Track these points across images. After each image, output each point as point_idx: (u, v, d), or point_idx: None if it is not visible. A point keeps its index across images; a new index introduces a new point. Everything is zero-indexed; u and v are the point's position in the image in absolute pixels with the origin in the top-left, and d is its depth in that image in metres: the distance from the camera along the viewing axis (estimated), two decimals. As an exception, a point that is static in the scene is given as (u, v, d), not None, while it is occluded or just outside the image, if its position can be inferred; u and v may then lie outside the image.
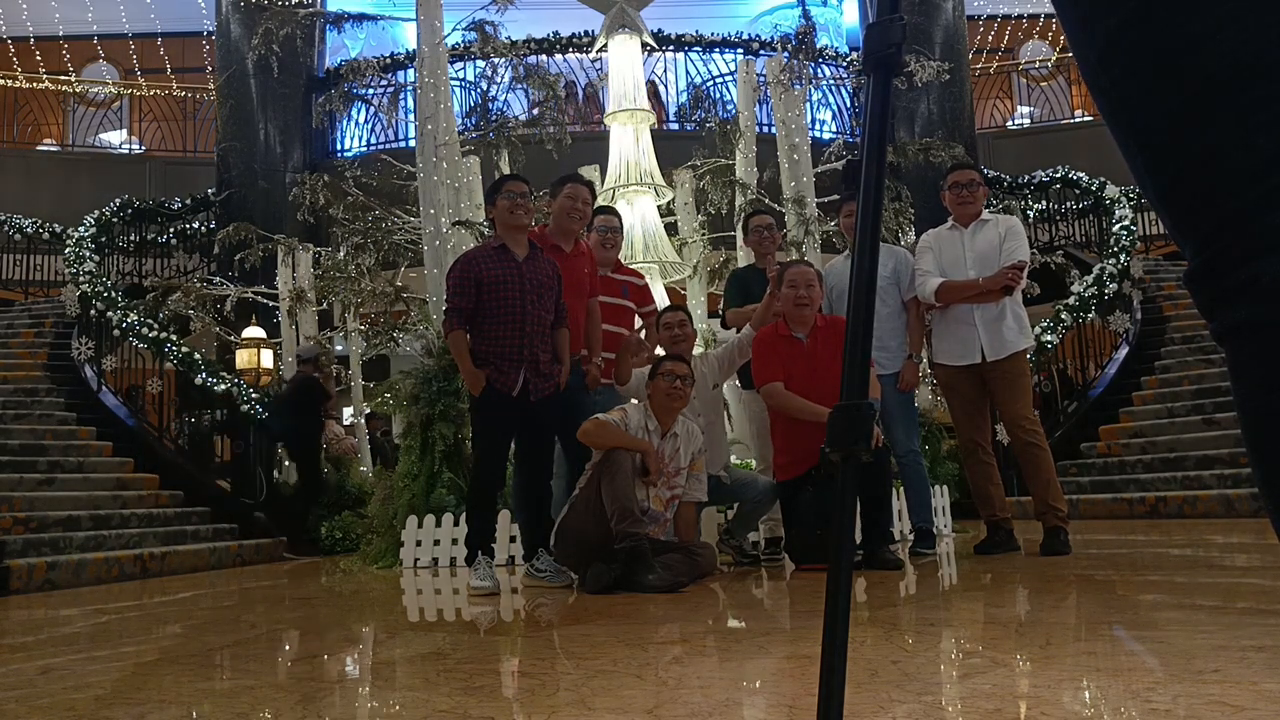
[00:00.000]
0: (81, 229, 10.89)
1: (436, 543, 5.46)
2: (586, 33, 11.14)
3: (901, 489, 5.08)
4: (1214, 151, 0.59)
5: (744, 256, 7.21)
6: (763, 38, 12.15)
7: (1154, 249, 12.42)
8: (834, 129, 12.16)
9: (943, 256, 4.50)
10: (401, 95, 10.72)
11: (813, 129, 10.64)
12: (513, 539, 5.21)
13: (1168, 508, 6.73)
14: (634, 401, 4.21)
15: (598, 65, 10.76)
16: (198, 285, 9.64)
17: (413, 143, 7.72)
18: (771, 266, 4.75)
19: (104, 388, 8.74)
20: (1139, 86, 0.62)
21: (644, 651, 2.20)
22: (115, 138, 16.67)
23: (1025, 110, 17.21)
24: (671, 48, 11.85)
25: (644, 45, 7.72)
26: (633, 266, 5.99)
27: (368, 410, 10.23)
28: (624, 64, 7.42)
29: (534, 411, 3.89)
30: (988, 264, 4.37)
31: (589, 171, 8.03)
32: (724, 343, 5.00)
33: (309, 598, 4.39)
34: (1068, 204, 12.94)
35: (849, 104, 12.40)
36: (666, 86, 12.15)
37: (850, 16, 16.33)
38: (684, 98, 11.53)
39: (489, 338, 3.87)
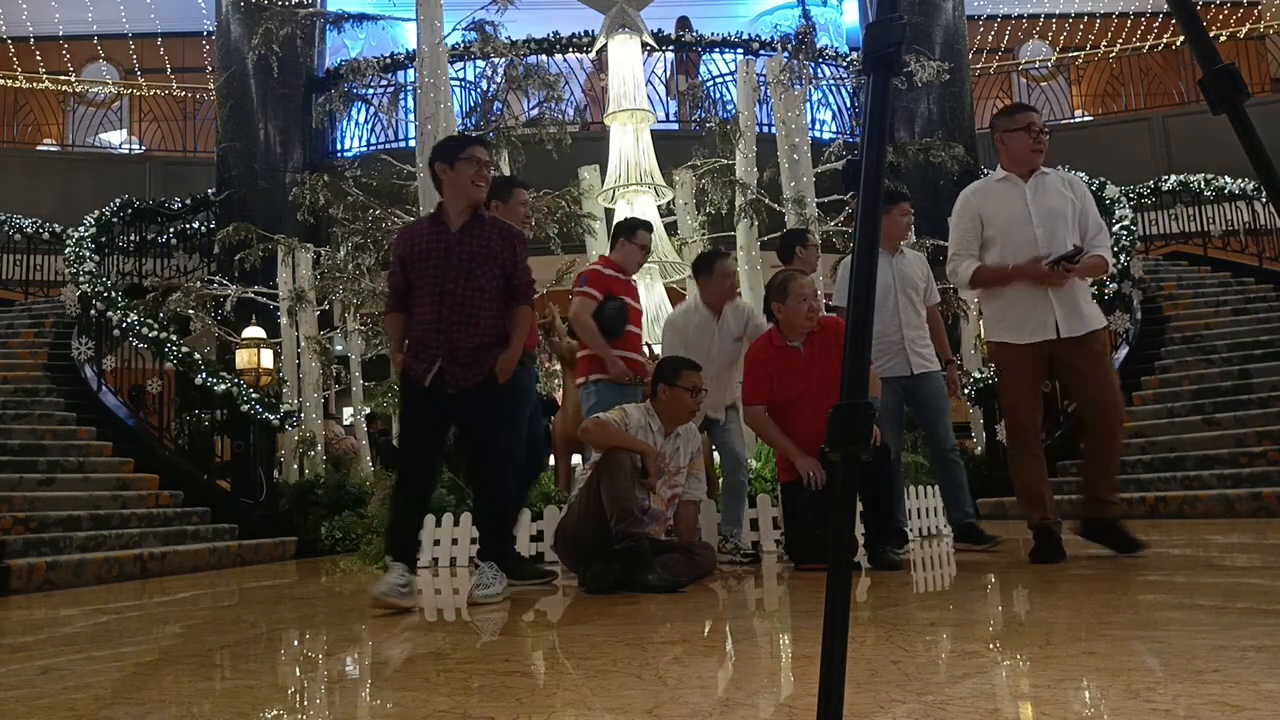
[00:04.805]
0: (81, 229, 10.87)
1: (436, 543, 5.46)
2: (586, 33, 11.13)
3: (937, 486, 5.13)
4: None
5: (744, 257, 7.22)
6: (763, 38, 12.14)
7: (1154, 249, 12.40)
8: (834, 129, 12.14)
9: (998, 215, 3.86)
10: (401, 95, 10.71)
11: (813, 129, 10.62)
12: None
13: (1168, 508, 6.73)
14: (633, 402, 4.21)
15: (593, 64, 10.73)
16: (198, 285, 9.63)
17: (413, 143, 7.72)
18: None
19: (104, 388, 8.74)
20: None
21: (644, 651, 2.19)
22: (115, 138, 16.65)
23: (1025, 110, 17.18)
24: (671, 48, 11.84)
25: (644, 45, 7.72)
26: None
27: (368, 410, 10.22)
28: (624, 64, 7.42)
29: (454, 404, 3.42)
30: (1057, 223, 3.77)
31: (589, 172, 8.04)
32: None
33: (309, 598, 4.39)
34: (1068, 204, 12.91)
35: (849, 104, 12.39)
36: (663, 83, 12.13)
37: (850, 16, 16.32)
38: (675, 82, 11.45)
39: (412, 320, 3.45)
